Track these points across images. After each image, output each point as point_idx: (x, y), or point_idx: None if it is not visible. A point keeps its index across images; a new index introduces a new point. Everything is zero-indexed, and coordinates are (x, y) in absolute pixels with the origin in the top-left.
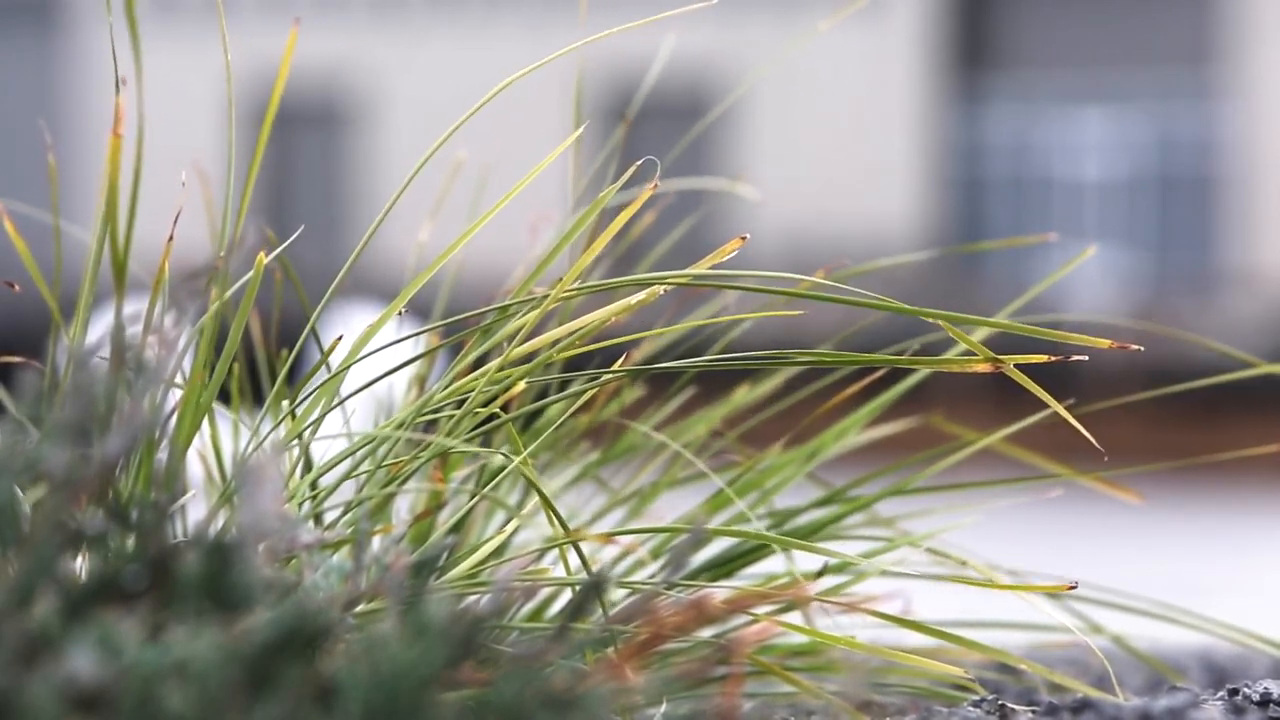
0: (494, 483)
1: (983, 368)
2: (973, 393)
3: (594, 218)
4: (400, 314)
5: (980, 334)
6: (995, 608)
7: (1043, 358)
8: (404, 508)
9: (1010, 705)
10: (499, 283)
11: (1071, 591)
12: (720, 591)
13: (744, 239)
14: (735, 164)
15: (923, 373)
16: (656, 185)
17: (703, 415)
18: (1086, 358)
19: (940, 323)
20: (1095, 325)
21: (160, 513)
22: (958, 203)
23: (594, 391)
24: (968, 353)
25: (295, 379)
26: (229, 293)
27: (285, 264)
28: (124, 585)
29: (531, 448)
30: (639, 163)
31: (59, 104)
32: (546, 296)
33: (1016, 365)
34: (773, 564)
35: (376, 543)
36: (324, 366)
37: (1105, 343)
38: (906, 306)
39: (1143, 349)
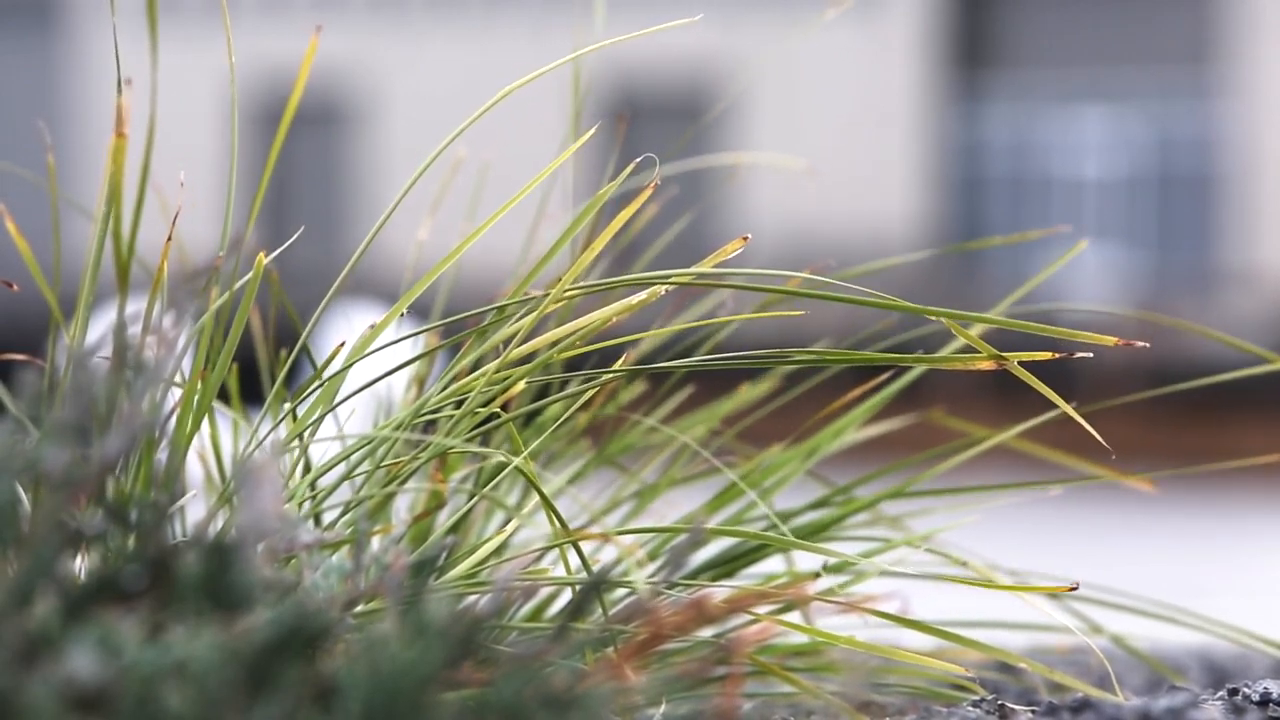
0: (493, 483)
1: (986, 365)
2: (972, 392)
3: (593, 216)
4: (401, 314)
5: (981, 333)
6: (995, 608)
7: (1046, 355)
8: (403, 508)
9: (1010, 705)
10: (499, 281)
11: (1072, 592)
12: (720, 591)
13: (746, 238)
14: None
15: (921, 371)
16: (657, 182)
17: (701, 415)
18: (1091, 354)
19: (942, 319)
20: (1096, 319)
21: (160, 513)
22: (957, 202)
23: (593, 391)
24: (969, 350)
25: (295, 379)
26: (229, 293)
27: (275, 267)
28: (124, 585)
29: (531, 447)
30: (638, 160)
31: (59, 104)
32: (545, 296)
33: (1019, 363)
34: (772, 564)
35: (376, 543)
36: (324, 368)
37: (1110, 340)
38: (908, 304)
39: (1148, 345)
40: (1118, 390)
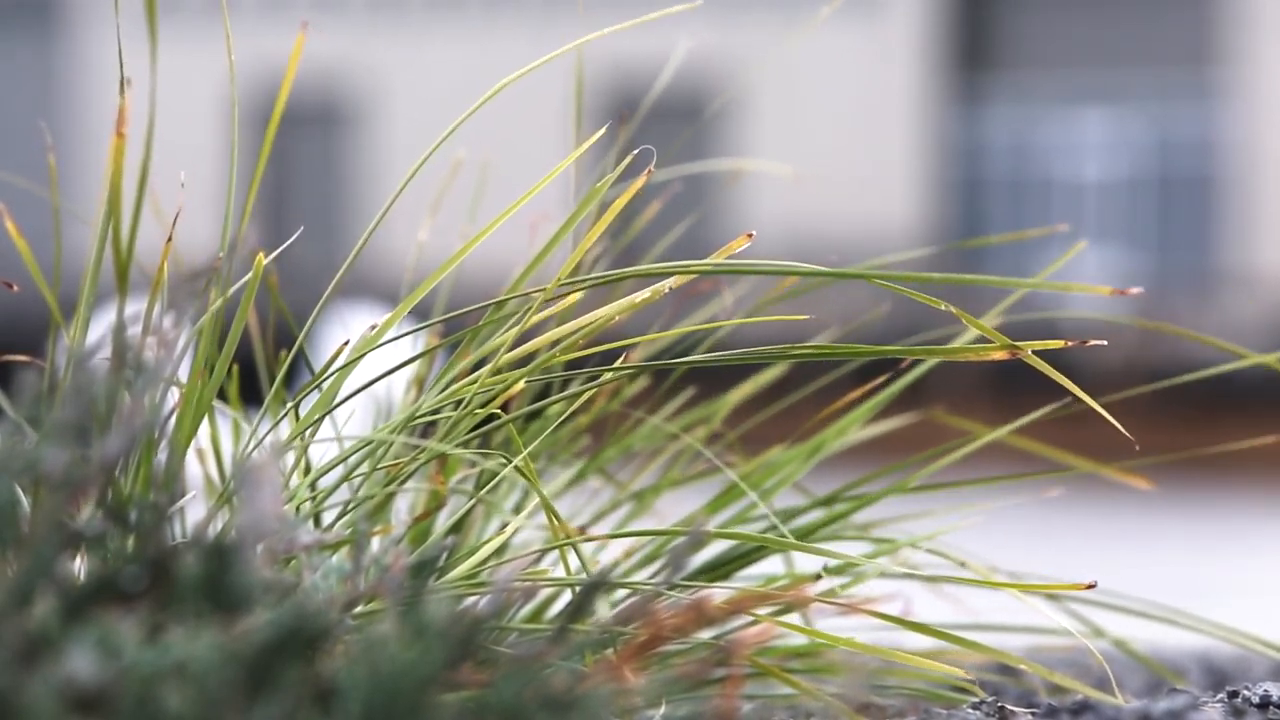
0: (493, 483)
1: (999, 355)
2: (969, 395)
3: (593, 212)
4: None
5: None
6: (994, 609)
7: (1059, 342)
8: (403, 509)
9: (1010, 707)
10: (499, 281)
11: (1073, 593)
12: (719, 593)
13: (751, 235)
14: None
15: (922, 370)
16: (650, 172)
17: (703, 409)
18: (1105, 342)
19: (951, 309)
20: (1094, 323)
21: (159, 513)
22: (958, 203)
23: (594, 391)
24: (978, 341)
25: (294, 379)
26: (229, 293)
27: (275, 268)
28: (123, 586)
29: (530, 448)
30: (635, 152)
31: (59, 104)
32: (544, 291)
33: (1025, 356)
34: (772, 565)
35: (376, 544)
36: (328, 368)
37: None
38: (921, 281)
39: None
40: (1117, 392)
